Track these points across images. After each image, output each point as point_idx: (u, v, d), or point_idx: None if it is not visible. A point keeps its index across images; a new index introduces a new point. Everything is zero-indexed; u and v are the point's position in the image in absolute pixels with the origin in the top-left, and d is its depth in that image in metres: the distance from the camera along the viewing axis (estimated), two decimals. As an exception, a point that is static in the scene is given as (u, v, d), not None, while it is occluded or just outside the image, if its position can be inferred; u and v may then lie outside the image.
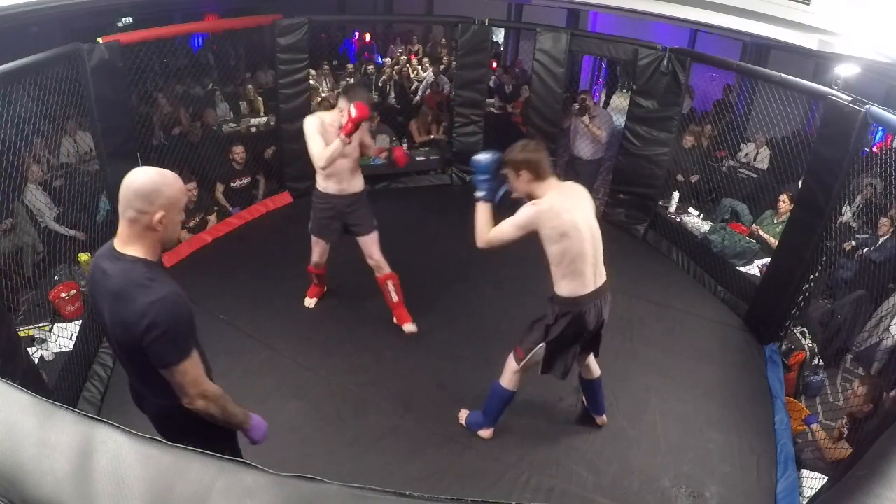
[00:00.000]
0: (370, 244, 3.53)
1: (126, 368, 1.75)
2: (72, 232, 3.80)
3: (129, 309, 1.48)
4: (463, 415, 3.06)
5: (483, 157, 2.53)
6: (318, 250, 3.60)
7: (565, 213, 2.35)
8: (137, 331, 1.47)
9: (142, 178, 1.50)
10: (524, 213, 2.37)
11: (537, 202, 2.36)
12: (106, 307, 1.55)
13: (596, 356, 2.87)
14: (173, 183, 1.55)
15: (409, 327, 3.70)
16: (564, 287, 2.47)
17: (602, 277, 2.54)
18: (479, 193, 2.53)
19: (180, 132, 5.14)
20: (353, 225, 3.49)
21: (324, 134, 3.15)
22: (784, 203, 4.46)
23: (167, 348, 1.52)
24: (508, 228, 2.41)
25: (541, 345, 2.59)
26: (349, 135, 3.04)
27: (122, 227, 1.55)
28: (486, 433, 2.97)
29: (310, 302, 3.95)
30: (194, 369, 1.58)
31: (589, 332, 2.59)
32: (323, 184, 3.36)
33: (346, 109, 3.02)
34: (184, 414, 1.65)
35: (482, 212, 2.51)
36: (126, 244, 1.55)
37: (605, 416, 3.12)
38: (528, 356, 2.64)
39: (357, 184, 3.43)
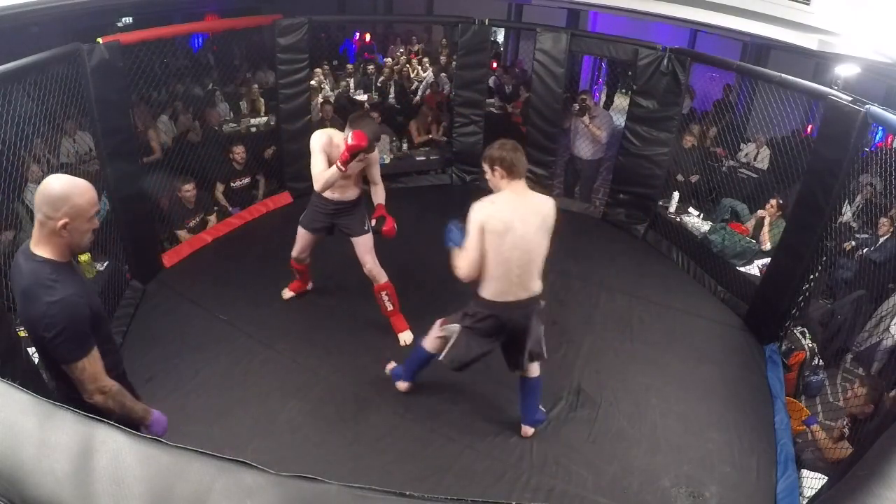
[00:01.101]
0: (363, 249, 3.48)
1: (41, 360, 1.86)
2: None
3: (33, 307, 1.59)
4: (389, 366, 3.27)
5: (449, 230, 2.59)
6: (301, 244, 3.59)
7: (503, 216, 2.40)
8: (39, 328, 1.59)
9: (52, 185, 1.58)
10: (470, 220, 2.42)
11: (480, 202, 2.43)
12: (18, 303, 1.65)
13: (517, 368, 2.81)
14: (83, 193, 1.61)
15: (405, 336, 3.63)
16: (485, 288, 2.54)
17: (528, 293, 2.56)
18: (452, 245, 2.56)
19: (183, 133, 5.15)
20: (344, 226, 3.48)
21: (329, 153, 3.12)
22: (772, 207, 4.47)
23: (65, 346, 1.62)
24: (470, 244, 2.44)
25: (457, 326, 2.70)
26: (345, 163, 3.01)
27: (35, 229, 1.62)
28: (402, 385, 3.19)
29: (287, 293, 3.96)
30: (92, 366, 1.68)
31: (503, 338, 2.67)
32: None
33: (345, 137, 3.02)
34: (86, 407, 1.72)
35: (456, 252, 2.54)
36: (37, 245, 1.62)
37: (530, 430, 2.97)
38: (445, 330, 2.79)
39: (353, 192, 3.42)
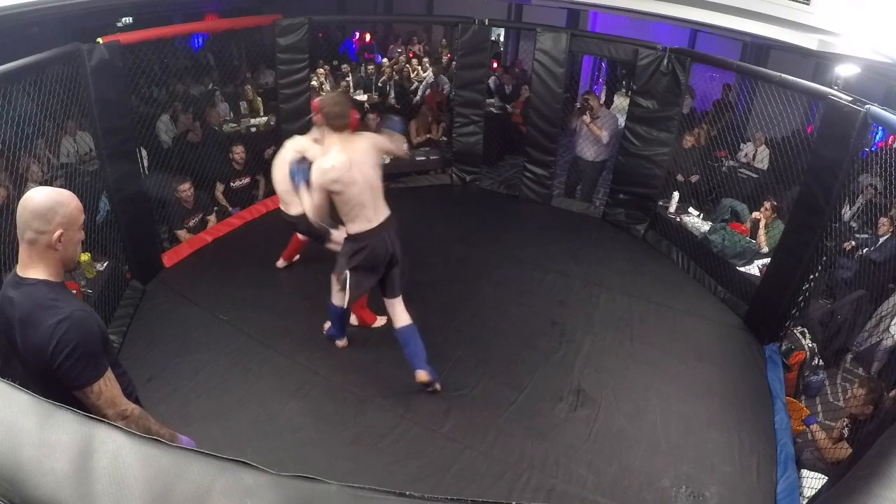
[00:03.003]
0: None
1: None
2: None
3: (37, 332, 1.44)
4: (326, 325, 3.53)
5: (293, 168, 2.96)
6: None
7: (338, 175, 2.71)
8: (46, 353, 1.43)
9: (38, 199, 1.47)
10: (314, 178, 2.73)
11: (320, 163, 2.73)
12: (17, 337, 1.49)
13: (393, 296, 3.11)
14: (69, 201, 1.52)
15: (379, 322, 3.70)
16: (353, 227, 2.90)
17: (382, 215, 2.93)
18: (300, 184, 2.90)
19: (183, 133, 5.15)
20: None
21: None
22: (766, 210, 4.47)
23: (77, 368, 1.46)
24: (315, 200, 2.77)
25: (346, 271, 2.97)
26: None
27: (23, 252, 1.50)
28: (341, 343, 3.51)
29: (281, 263, 4.27)
30: (109, 389, 1.53)
31: (382, 263, 2.99)
32: None
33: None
34: None
35: (302, 193, 2.90)
36: (27, 268, 1.50)
37: (424, 373, 3.11)
38: (339, 280, 3.06)
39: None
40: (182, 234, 4.48)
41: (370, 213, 2.86)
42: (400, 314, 3.13)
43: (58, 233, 1.48)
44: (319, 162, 2.74)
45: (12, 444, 0.70)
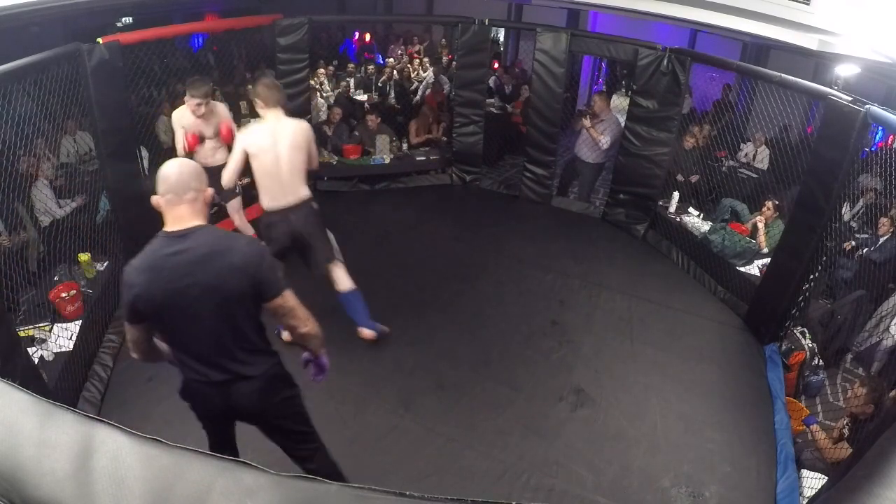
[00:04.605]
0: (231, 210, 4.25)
1: (221, 344, 1.78)
2: (72, 203, 4.03)
3: (237, 255, 1.68)
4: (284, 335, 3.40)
5: None
6: None
7: (259, 140, 2.98)
8: (254, 268, 1.69)
9: (188, 164, 1.76)
10: (235, 143, 3.03)
11: (243, 131, 3.09)
12: (197, 279, 1.65)
13: (316, 269, 3.30)
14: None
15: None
16: (262, 199, 3.13)
17: (297, 197, 3.12)
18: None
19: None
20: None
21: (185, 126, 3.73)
22: (768, 210, 4.47)
23: (277, 275, 1.75)
24: (232, 159, 3.02)
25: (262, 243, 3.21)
26: (192, 150, 3.69)
27: (182, 210, 1.71)
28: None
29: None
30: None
31: (287, 240, 3.14)
32: None
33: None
34: (283, 370, 1.95)
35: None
36: (187, 221, 1.71)
37: (368, 330, 3.44)
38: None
39: (220, 155, 3.93)
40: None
41: (277, 191, 3.07)
42: (340, 279, 3.37)
43: (210, 190, 1.77)
44: (244, 131, 3.08)
45: (12, 444, 0.70)
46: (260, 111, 3.09)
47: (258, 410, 1.92)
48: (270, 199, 3.10)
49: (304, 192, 3.15)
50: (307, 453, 2.13)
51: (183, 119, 3.73)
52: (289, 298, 1.78)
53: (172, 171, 1.72)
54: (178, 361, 1.84)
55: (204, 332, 1.74)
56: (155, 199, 1.73)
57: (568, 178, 5.82)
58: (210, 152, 3.90)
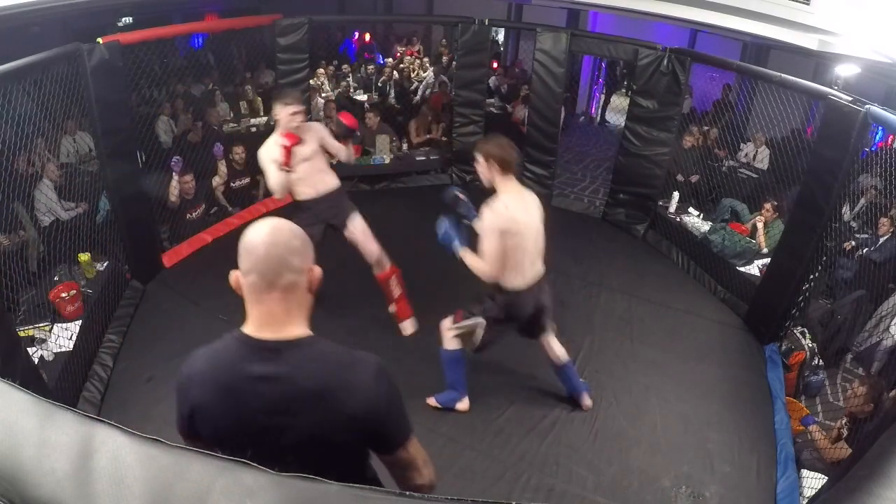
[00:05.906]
0: (361, 235, 3.52)
1: None
2: (77, 209, 3.98)
3: (353, 398, 1.14)
4: (432, 401, 3.14)
5: (442, 232, 2.77)
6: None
7: (517, 217, 2.54)
8: (374, 415, 1.16)
9: (285, 233, 1.13)
10: (490, 223, 2.51)
11: (494, 208, 2.51)
12: (293, 422, 1.13)
13: (537, 337, 2.98)
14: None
15: (408, 325, 3.67)
16: (508, 280, 2.68)
17: (540, 271, 2.76)
18: (456, 250, 2.74)
19: (183, 132, 5.15)
20: (333, 218, 3.48)
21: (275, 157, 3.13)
22: (767, 211, 4.46)
23: (404, 420, 1.25)
24: (489, 246, 2.55)
25: (480, 319, 2.82)
26: (287, 163, 3.06)
27: (273, 303, 1.14)
28: (462, 405, 3.12)
29: None
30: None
31: (525, 319, 2.81)
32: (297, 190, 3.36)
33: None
34: None
35: (465, 256, 2.70)
36: (284, 325, 1.15)
37: (587, 396, 3.18)
38: (463, 326, 2.87)
39: (330, 180, 3.43)
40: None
41: (528, 267, 2.67)
42: (559, 348, 3.02)
43: (317, 269, 1.18)
44: (494, 209, 2.51)
45: (12, 444, 0.70)
46: (495, 177, 2.55)
47: None
48: (521, 280, 2.67)
49: (540, 264, 2.76)
50: None
51: (272, 153, 3.12)
52: (413, 449, 1.27)
53: (260, 239, 1.11)
54: None
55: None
56: (234, 277, 1.16)
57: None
58: (315, 175, 3.34)
